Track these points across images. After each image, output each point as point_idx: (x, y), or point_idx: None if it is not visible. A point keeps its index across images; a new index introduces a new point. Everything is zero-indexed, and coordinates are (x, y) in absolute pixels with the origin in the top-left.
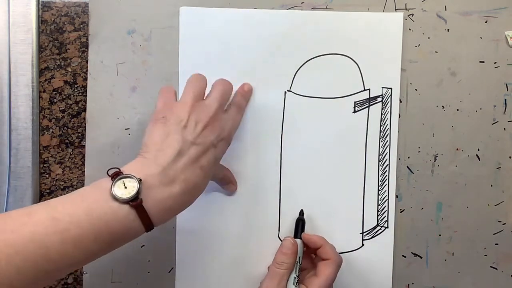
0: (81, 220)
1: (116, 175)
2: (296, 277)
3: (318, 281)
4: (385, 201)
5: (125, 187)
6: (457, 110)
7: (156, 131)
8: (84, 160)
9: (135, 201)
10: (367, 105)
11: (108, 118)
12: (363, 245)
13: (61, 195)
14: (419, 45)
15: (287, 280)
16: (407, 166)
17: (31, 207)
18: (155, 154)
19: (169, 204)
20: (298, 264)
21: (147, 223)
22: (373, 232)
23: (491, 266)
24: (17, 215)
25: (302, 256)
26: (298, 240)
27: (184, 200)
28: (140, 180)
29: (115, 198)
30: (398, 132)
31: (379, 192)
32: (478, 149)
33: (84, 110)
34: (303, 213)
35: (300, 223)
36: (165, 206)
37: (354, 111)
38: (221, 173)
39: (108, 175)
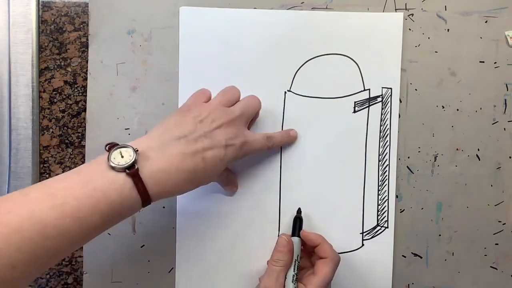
0: (78, 192)
1: (113, 146)
2: (295, 275)
3: (315, 280)
4: (385, 201)
5: (122, 156)
6: (457, 110)
7: (173, 118)
8: (84, 160)
9: (131, 169)
10: (367, 105)
11: (108, 118)
12: (363, 245)
13: None
14: (419, 45)
15: (285, 278)
16: (407, 166)
17: (29, 188)
18: (162, 133)
19: (165, 178)
20: (297, 262)
21: (144, 194)
22: (373, 232)
23: (491, 266)
24: (14, 196)
25: (300, 254)
26: (296, 238)
27: (179, 180)
28: (137, 150)
29: (112, 167)
30: (398, 132)
31: (379, 192)
32: (478, 149)
33: (84, 110)
34: (300, 211)
35: (297, 221)
36: (161, 178)
37: (354, 111)
38: (225, 174)
39: (106, 150)
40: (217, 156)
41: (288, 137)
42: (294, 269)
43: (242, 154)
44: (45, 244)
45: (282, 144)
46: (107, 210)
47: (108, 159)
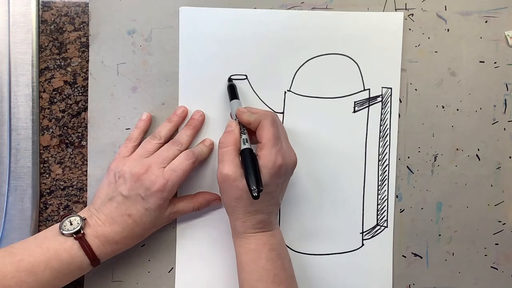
0: (33, 251)
1: (64, 216)
2: (246, 138)
3: (263, 139)
4: (385, 200)
5: (71, 224)
6: (457, 110)
7: (103, 182)
8: (84, 160)
9: (77, 235)
10: (367, 105)
11: (109, 118)
12: (363, 244)
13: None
14: (419, 45)
15: (239, 156)
16: (407, 166)
17: None
18: (96, 198)
19: (105, 240)
20: (242, 126)
21: (90, 254)
22: (372, 232)
23: (491, 266)
24: None
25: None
26: (236, 100)
27: (118, 238)
28: (85, 219)
29: (62, 233)
30: (398, 132)
31: (379, 191)
32: (478, 149)
33: (84, 110)
34: (231, 80)
35: (232, 87)
36: (103, 240)
37: (354, 111)
38: (183, 210)
39: (60, 219)
40: (141, 209)
41: (207, 147)
42: (242, 134)
43: (167, 194)
44: None
45: (205, 156)
46: (58, 267)
47: (60, 227)
